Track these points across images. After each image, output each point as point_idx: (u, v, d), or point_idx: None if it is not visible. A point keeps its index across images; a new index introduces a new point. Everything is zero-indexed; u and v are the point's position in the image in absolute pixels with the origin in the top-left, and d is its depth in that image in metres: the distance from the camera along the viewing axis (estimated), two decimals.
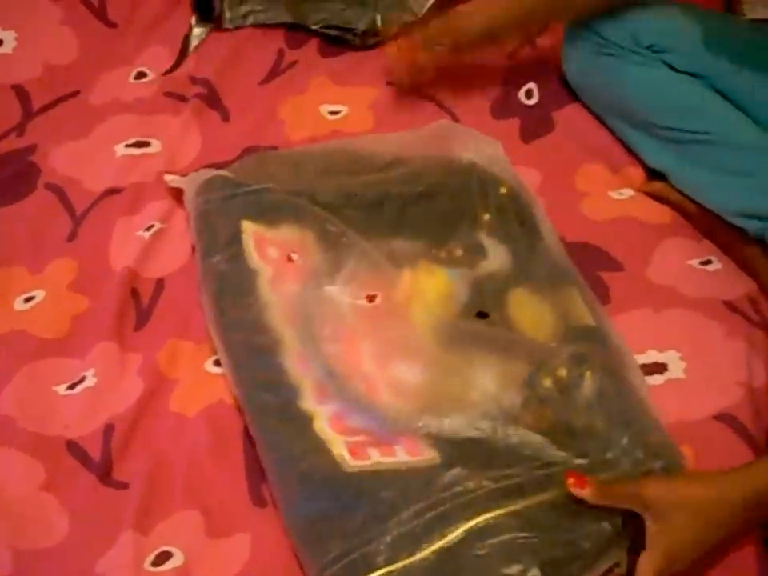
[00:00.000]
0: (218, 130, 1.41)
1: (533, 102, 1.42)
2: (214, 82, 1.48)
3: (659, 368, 1.12)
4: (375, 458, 0.98)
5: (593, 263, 1.22)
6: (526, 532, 0.91)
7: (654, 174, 1.33)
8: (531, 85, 1.44)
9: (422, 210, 1.23)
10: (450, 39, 1.33)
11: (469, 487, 0.94)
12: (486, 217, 1.23)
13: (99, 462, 1.06)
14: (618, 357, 1.09)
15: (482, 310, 1.13)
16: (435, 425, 0.99)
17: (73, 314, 1.20)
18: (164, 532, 1.00)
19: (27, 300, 1.22)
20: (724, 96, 1.27)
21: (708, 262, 1.24)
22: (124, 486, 1.04)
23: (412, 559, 0.90)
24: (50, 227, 1.30)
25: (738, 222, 1.21)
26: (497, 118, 1.41)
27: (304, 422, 1.01)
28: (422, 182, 1.25)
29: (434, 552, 0.90)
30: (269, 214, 1.19)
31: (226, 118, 1.44)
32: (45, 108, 1.47)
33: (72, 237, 1.29)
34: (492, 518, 0.92)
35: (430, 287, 1.14)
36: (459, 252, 1.19)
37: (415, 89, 1.43)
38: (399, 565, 0.90)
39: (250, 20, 1.57)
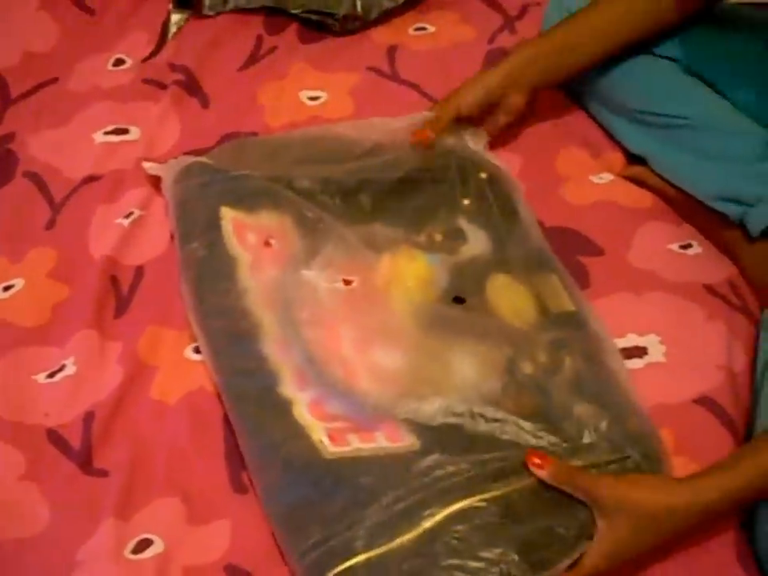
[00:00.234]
0: (197, 116, 1.41)
1: None
2: (192, 69, 1.47)
3: (639, 352, 1.12)
4: (355, 444, 0.98)
5: (573, 247, 1.22)
6: (504, 517, 0.92)
7: (634, 159, 1.33)
8: None
9: (402, 195, 1.23)
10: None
11: (448, 472, 0.94)
12: (466, 202, 1.23)
13: (79, 450, 1.05)
14: (597, 342, 1.09)
15: (461, 295, 1.13)
16: (414, 410, 0.99)
17: (52, 302, 1.19)
18: (144, 519, 1.00)
19: (6, 289, 1.21)
20: (703, 80, 1.27)
21: (688, 246, 1.24)
22: (104, 473, 1.04)
23: (391, 545, 0.90)
24: (28, 215, 1.30)
25: (719, 206, 1.20)
26: None
27: (284, 408, 1.01)
28: (401, 168, 1.24)
29: (412, 537, 0.90)
30: (247, 200, 1.18)
31: (205, 104, 1.43)
32: (23, 96, 1.47)
33: (51, 225, 1.28)
34: (471, 503, 0.92)
35: (410, 272, 1.13)
36: (439, 237, 1.19)
37: None
38: (378, 550, 0.90)
39: (230, 5, 1.57)
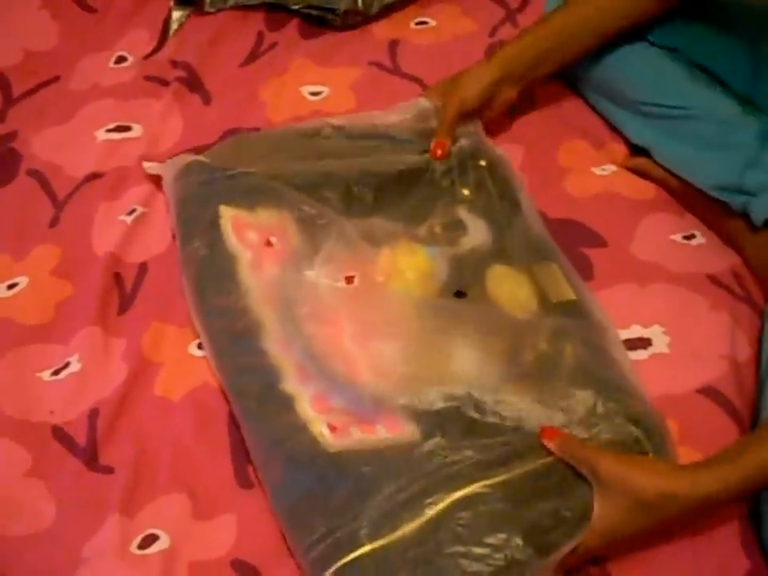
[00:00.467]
0: (199, 113, 1.41)
1: None
2: (194, 66, 1.47)
3: (643, 343, 1.12)
4: (357, 435, 0.98)
5: (576, 239, 1.22)
6: (508, 502, 0.92)
7: (636, 150, 1.32)
8: None
9: (401, 188, 1.22)
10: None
11: (451, 460, 0.94)
12: (465, 192, 1.23)
13: (85, 447, 1.06)
14: (599, 331, 1.09)
15: (461, 287, 1.13)
16: (416, 401, 0.99)
17: (56, 299, 1.19)
18: (150, 515, 1.00)
19: (10, 287, 1.21)
20: (703, 70, 1.27)
21: (692, 237, 1.24)
22: (110, 470, 1.04)
23: (395, 534, 0.90)
24: (32, 213, 1.30)
25: (721, 196, 1.20)
26: None
27: (286, 403, 1.01)
28: (400, 160, 1.24)
29: (416, 526, 0.90)
30: (247, 198, 1.18)
31: (207, 101, 1.43)
32: (25, 94, 1.47)
33: (54, 222, 1.28)
34: (475, 489, 0.92)
35: (410, 266, 1.13)
36: (438, 229, 1.19)
37: None
38: (382, 541, 0.90)
39: (231, 2, 1.57)
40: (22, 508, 1.02)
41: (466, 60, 1.41)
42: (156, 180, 1.28)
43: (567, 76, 1.39)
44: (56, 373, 1.12)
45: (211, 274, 1.13)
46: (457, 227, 1.19)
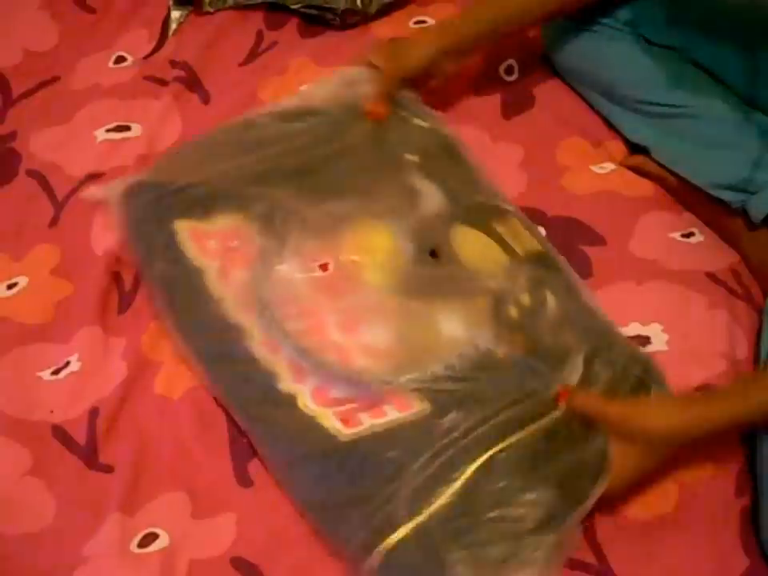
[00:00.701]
0: (198, 112, 1.41)
1: (513, 78, 1.42)
2: (193, 65, 1.47)
3: (642, 341, 1.12)
4: (368, 422, 0.98)
5: (575, 237, 1.22)
6: (533, 459, 0.94)
7: (635, 148, 1.32)
8: (511, 61, 1.43)
9: (347, 164, 1.20)
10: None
11: (467, 428, 0.95)
12: (412, 157, 1.21)
13: (85, 446, 1.06)
14: (570, 280, 1.11)
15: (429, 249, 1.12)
16: (416, 377, 0.99)
17: (56, 299, 1.20)
18: (150, 514, 1.01)
19: (10, 287, 1.22)
20: (700, 68, 1.27)
21: (690, 235, 1.24)
22: (110, 469, 1.04)
23: (431, 509, 0.91)
24: (31, 213, 1.30)
25: (720, 194, 1.20)
26: (478, 95, 1.41)
27: (288, 402, 1.01)
28: (341, 137, 1.22)
29: (450, 497, 0.91)
30: (199, 208, 1.15)
31: (206, 100, 1.43)
32: (25, 95, 1.47)
33: (54, 222, 1.29)
34: (497, 452, 0.93)
35: (376, 244, 1.12)
36: (394, 201, 1.16)
37: None
38: (421, 517, 0.91)
39: (230, 1, 1.57)
40: (22, 507, 1.02)
41: None
42: None
43: (565, 75, 1.40)
44: (56, 372, 1.12)
45: (181, 291, 1.11)
46: (411, 195, 1.17)
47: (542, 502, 0.91)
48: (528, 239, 1.14)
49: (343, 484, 0.95)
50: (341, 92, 1.28)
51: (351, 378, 1.01)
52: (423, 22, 1.54)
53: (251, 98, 1.42)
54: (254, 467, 1.04)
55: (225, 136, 1.27)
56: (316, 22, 1.54)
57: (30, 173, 1.35)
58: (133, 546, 0.98)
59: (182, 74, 1.46)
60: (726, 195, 1.20)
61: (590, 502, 0.93)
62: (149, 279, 1.15)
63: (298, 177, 1.18)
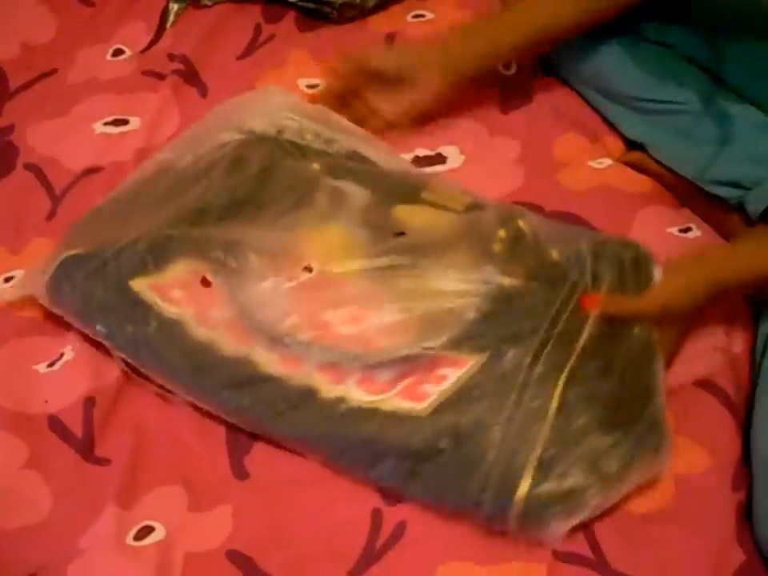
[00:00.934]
0: (196, 106, 1.40)
1: (511, 72, 1.41)
2: (191, 58, 1.46)
3: None
4: (434, 390, 0.97)
5: None
6: (601, 379, 0.97)
7: (632, 144, 1.32)
8: None
9: (266, 188, 1.16)
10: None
11: (529, 362, 0.96)
12: (317, 166, 1.18)
13: (81, 438, 1.06)
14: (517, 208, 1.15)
15: (391, 232, 1.11)
16: (447, 337, 0.99)
17: None
18: (146, 506, 1.01)
19: (7, 280, 1.22)
20: (698, 65, 1.27)
21: (688, 230, 1.24)
22: (106, 461, 1.04)
23: (539, 449, 0.92)
24: (29, 207, 1.30)
25: (716, 190, 1.20)
26: (475, 89, 1.40)
27: (343, 406, 0.99)
28: (251, 165, 1.18)
29: (548, 430, 0.93)
30: (148, 262, 1.08)
31: (204, 93, 1.43)
32: (22, 87, 1.46)
33: (52, 216, 1.28)
34: (564, 379, 0.96)
35: (332, 245, 1.09)
36: (325, 202, 1.13)
37: None
38: (534, 455, 0.92)
39: None
40: (18, 500, 1.02)
41: None
42: None
43: (561, 71, 1.39)
44: (51, 365, 1.12)
45: (169, 350, 1.06)
46: (336, 194, 1.14)
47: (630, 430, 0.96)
48: (461, 195, 1.15)
49: (440, 461, 0.95)
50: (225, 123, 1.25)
51: (387, 359, 0.99)
52: (421, 16, 1.54)
53: (249, 90, 1.42)
54: (250, 460, 1.04)
55: (133, 193, 1.21)
56: (313, 15, 1.54)
57: (28, 166, 1.35)
58: (129, 539, 0.98)
59: (180, 67, 1.45)
60: (723, 192, 1.20)
61: (662, 387, 0.99)
62: (122, 347, 1.08)
63: (232, 207, 1.13)
